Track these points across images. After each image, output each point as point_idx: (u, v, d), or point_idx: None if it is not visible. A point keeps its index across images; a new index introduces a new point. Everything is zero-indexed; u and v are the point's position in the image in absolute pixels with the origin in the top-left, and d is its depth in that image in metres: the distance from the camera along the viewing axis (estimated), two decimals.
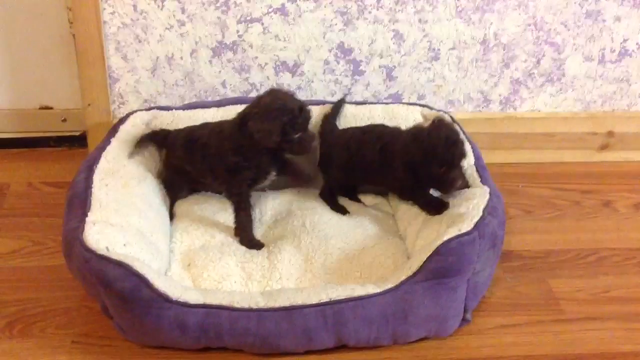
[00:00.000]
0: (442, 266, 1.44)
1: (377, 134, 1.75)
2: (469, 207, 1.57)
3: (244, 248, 1.66)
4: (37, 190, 1.97)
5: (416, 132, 1.65)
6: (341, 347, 1.47)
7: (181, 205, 1.81)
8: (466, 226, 1.48)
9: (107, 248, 1.41)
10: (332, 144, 1.81)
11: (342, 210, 1.81)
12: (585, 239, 1.86)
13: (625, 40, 2.06)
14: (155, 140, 1.79)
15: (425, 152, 1.58)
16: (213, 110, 1.89)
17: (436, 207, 1.64)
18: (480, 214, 1.51)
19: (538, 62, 2.06)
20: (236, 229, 1.69)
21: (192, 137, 1.72)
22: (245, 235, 1.68)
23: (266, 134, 1.55)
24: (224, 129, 1.67)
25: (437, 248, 1.44)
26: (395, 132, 1.75)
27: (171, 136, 1.77)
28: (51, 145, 2.17)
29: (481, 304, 1.60)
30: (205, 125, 1.75)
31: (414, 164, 1.61)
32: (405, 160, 1.63)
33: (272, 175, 1.69)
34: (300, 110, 1.57)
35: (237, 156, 1.63)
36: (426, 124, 1.68)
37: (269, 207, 1.82)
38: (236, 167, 1.64)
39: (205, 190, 1.85)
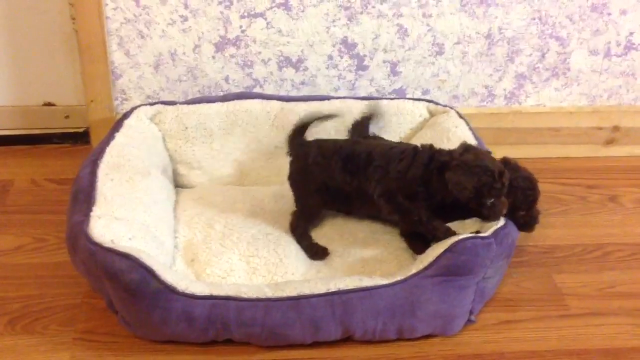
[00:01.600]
0: (454, 263, 1.43)
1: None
2: None
3: (246, 241, 1.64)
4: (40, 187, 1.96)
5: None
6: (346, 341, 1.47)
7: (183, 198, 1.82)
8: (484, 232, 1.49)
9: (112, 241, 1.41)
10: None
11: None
12: (591, 234, 1.85)
13: (631, 34, 2.04)
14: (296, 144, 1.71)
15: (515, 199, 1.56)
16: (218, 104, 1.88)
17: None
18: (502, 221, 1.51)
19: (543, 56, 2.05)
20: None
21: (353, 154, 1.64)
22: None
23: (461, 187, 1.48)
24: (407, 158, 1.58)
25: (452, 245, 1.44)
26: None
27: (317, 151, 1.68)
28: (54, 142, 2.17)
29: (486, 300, 1.59)
30: (361, 143, 1.69)
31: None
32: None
33: None
34: (500, 175, 1.50)
35: (422, 187, 1.56)
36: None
37: (277, 201, 1.81)
38: (416, 195, 1.56)
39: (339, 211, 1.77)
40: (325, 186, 1.66)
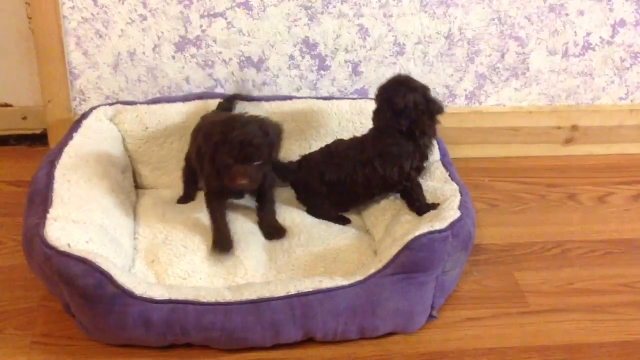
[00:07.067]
0: (411, 261, 1.43)
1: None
2: (442, 206, 1.59)
3: (207, 243, 1.63)
4: None
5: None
6: (308, 341, 1.46)
7: (144, 199, 1.81)
8: (439, 224, 1.48)
9: (68, 244, 1.39)
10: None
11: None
12: (550, 232, 1.87)
13: (588, 34, 2.07)
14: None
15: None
16: (179, 104, 1.88)
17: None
18: (458, 214, 1.52)
19: (502, 56, 2.07)
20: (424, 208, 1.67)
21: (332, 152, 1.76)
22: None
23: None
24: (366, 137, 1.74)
25: (408, 242, 1.44)
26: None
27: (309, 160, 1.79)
28: (11, 144, 2.13)
29: (448, 298, 1.60)
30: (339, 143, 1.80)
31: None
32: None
33: None
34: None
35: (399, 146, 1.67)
36: None
37: (237, 201, 1.80)
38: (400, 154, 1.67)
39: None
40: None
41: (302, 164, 1.80)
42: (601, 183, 2.10)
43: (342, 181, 1.72)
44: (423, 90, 1.67)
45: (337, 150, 1.76)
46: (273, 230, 1.70)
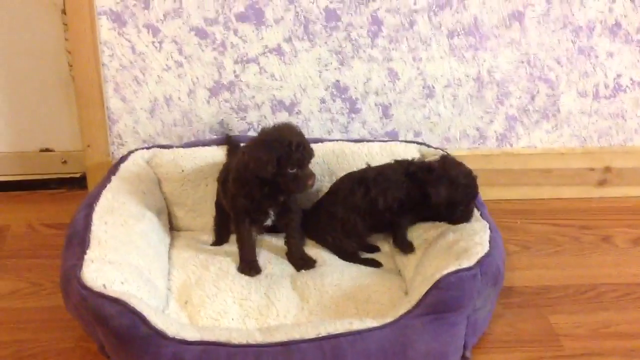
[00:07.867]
0: (441, 300, 1.43)
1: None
2: (471, 242, 1.58)
3: (240, 284, 1.65)
4: (37, 232, 1.97)
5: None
6: None
7: (178, 240, 1.84)
8: (467, 262, 1.47)
9: (104, 285, 1.41)
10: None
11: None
12: (585, 275, 1.85)
13: (618, 76, 2.08)
14: None
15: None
16: (214, 148, 1.92)
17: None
18: (485, 250, 1.51)
19: (532, 98, 2.08)
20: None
21: (365, 180, 1.78)
22: None
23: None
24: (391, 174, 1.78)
25: (437, 282, 1.43)
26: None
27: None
28: (52, 187, 2.18)
29: (481, 341, 1.58)
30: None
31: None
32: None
33: None
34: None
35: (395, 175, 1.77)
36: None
37: (269, 243, 1.83)
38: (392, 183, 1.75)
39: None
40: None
41: (310, 210, 1.87)
42: (636, 225, 2.08)
43: (340, 208, 1.77)
44: (463, 194, 1.71)
45: (336, 183, 1.85)
46: (303, 261, 1.73)
